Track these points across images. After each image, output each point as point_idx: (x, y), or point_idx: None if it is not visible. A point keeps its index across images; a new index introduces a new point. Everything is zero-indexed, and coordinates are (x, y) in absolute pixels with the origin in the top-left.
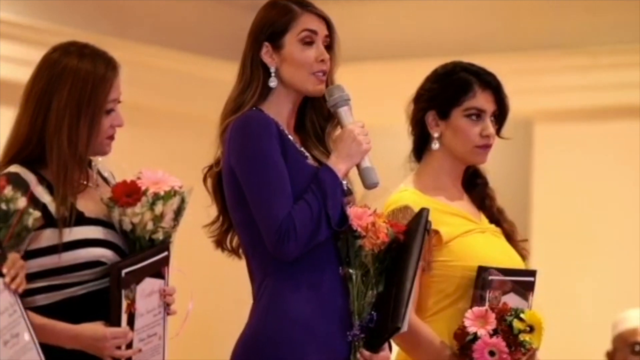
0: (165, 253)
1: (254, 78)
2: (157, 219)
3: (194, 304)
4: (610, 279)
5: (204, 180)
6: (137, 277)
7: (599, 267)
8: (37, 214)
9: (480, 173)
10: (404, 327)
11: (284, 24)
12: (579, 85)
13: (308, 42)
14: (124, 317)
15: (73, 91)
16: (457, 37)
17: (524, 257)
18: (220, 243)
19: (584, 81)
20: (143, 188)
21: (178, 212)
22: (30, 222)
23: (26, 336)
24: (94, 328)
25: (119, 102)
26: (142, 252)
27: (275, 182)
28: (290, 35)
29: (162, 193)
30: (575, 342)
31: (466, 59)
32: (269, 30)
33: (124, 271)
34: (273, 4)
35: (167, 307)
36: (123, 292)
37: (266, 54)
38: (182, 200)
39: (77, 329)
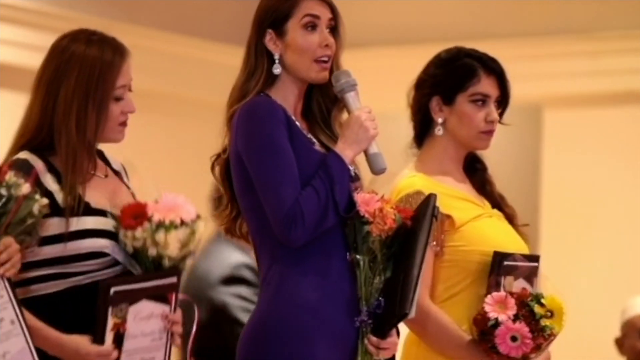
0: (174, 279)
1: (258, 65)
2: (160, 246)
3: (197, 325)
4: (620, 263)
5: (212, 168)
6: (131, 297)
7: (608, 252)
8: (44, 200)
9: (479, 159)
10: (412, 313)
11: (287, 10)
12: (588, 71)
13: (311, 28)
14: (109, 335)
15: (80, 77)
16: (463, 22)
17: (525, 241)
18: (229, 230)
19: (594, 67)
20: (150, 213)
21: (188, 242)
22: (36, 208)
23: (11, 322)
24: (79, 342)
25: (130, 89)
26: (142, 274)
27: (282, 168)
28: (293, 21)
29: (166, 222)
30: (584, 325)
31: (472, 44)
32: (272, 16)
33: (113, 289)
34: None
35: (172, 335)
36: (111, 309)
37: (270, 41)
38: (193, 232)
39: (63, 339)
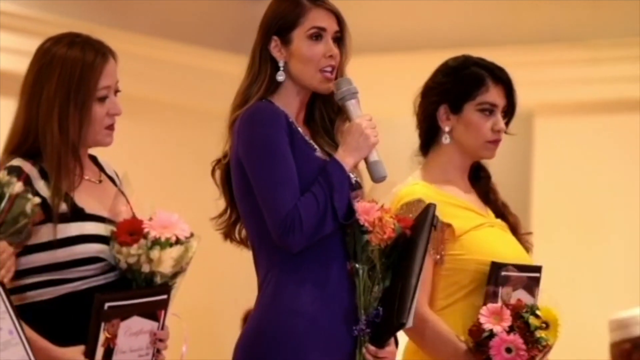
0: (165, 296)
1: (262, 71)
2: (154, 263)
3: (187, 347)
4: (610, 272)
5: (212, 172)
6: (123, 313)
7: (599, 261)
8: (36, 200)
9: (484, 167)
10: (409, 323)
11: (293, 19)
12: (580, 79)
13: (316, 38)
14: (100, 350)
15: (62, 78)
16: (459, 30)
17: (528, 250)
18: (228, 235)
19: (585, 74)
20: (146, 230)
21: (181, 260)
22: (28, 207)
23: (9, 332)
24: (72, 356)
25: (116, 92)
26: (136, 289)
27: (282, 174)
28: (298, 30)
29: (162, 239)
30: (574, 335)
31: (468, 51)
32: (278, 24)
33: (107, 304)
34: None
35: (158, 353)
36: (103, 324)
37: (275, 47)
38: (187, 250)
39: (57, 352)
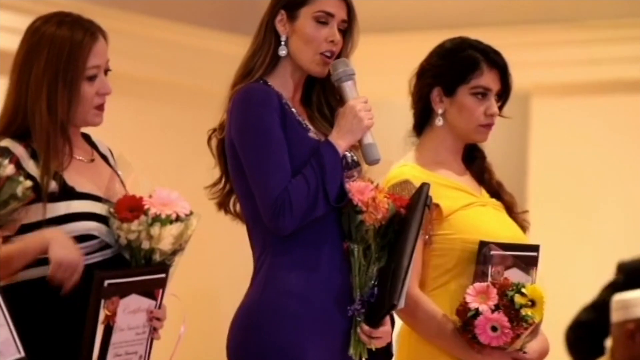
0: (163, 275)
1: (265, 43)
2: (154, 240)
3: (185, 328)
4: (607, 252)
5: (209, 140)
6: (122, 290)
7: (595, 241)
8: (27, 183)
9: (478, 148)
10: (401, 304)
11: None
12: (577, 60)
13: (322, 22)
14: (100, 328)
15: (50, 58)
16: (456, 10)
17: (524, 228)
18: (222, 205)
19: (582, 55)
20: (146, 207)
21: (180, 237)
22: (19, 190)
23: None
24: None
25: (108, 70)
26: (134, 267)
27: (273, 156)
28: (306, 9)
29: (162, 216)
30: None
31: (465, 32)
32: None
33: (107, 281)
34: None
35: (153, 330)
36: (103, 302)
37: (280, 21)
38: (186, 227)
39: (32, 240)
